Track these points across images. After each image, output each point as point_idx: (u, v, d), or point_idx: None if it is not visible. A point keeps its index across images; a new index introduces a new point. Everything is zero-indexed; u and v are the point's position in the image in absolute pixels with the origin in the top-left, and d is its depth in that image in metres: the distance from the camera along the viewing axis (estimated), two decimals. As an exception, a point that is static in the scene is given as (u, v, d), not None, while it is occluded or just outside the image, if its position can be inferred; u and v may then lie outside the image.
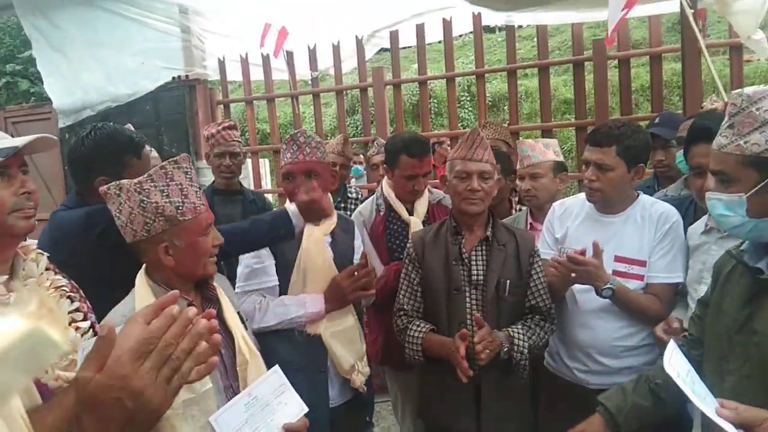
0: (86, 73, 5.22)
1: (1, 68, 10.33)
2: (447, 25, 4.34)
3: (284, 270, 2.15)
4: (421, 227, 2.54)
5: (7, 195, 1.20)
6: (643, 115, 4.36)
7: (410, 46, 4.93)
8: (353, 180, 5.47)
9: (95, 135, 1.93)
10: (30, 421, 0.74)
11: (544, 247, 2.27)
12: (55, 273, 1.28)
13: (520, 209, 2.90)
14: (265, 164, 7.47)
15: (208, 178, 4.23)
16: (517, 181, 2.71)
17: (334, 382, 2.17)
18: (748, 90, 1.25)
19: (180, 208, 1.49)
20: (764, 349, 1.22)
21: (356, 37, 4.72)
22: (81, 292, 1.35)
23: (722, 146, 1.26)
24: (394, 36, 4.54)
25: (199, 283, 1.62)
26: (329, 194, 2.23)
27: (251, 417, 1.44)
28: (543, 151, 2.59)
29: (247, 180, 4.87)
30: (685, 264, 2.04)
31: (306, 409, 1.55)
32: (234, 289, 2.03)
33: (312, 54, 4.86)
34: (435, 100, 11.15)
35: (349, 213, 3.53)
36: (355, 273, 2.11)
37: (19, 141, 1.18)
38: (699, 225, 1.96)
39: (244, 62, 4.95)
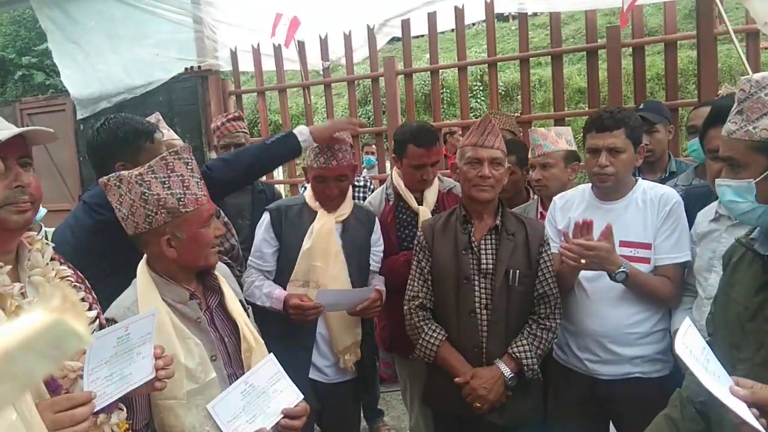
0: (102, 64, 5.28)
1: (16, 61, 10.44)
2: (459, 13, 4.31)
3: (289, 255, 2.30)
4: (429, 216, 2.54)
5: None
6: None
7: (422, 35, 4.90)
8: (365, 170, 5.47)
9: (108, 124, 2.00)
10: None
11: None
12: (61, 263, 1.27)
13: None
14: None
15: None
16: (530, 171, 2.71)
17: (331, 360, 2.33)
18: (757, 76, 1.24)
19: (182, 199, 1.49)
20: None
21: (368, 26, 4.71)
22: (86, 282, 1.36)
23: (731, 132, 1.25)
24: (405, 25, 4.51)
25: (200, 273, 1.63)
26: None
27: (248, 404, 1.45)
28: (555, 140, 2.58)
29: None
30: (690, 243, 2.04)
31: (301, 397, 1.56)
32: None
33: (323, 44, 4.85)
34: (447, 90, 11.09)
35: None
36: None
37: (2, 134, 1.11)
38: (709, 212, 1.94)
39: (256, 53, 4.96)
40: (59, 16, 5.33)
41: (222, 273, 1.70)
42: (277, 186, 4.01)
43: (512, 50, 11.49)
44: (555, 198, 2.36)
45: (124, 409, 1.27)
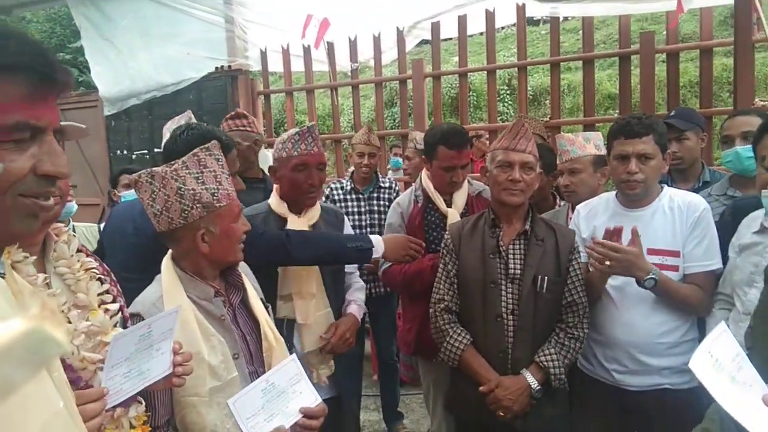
0: (133, 62, 5.37)
1: (52, 57, 10.66)
2: (490, 15, 4.28)
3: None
4: (458, 219, 2.51)
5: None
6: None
7: (451, 38, 4.89)
8: (390, 172, 5.46)
9: (188, 135, 1.95)
10: None
11: None
12: (87, 255, 1.28)
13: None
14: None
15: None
16: (558, 177, 2.67)
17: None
18: None
19: (215, 194, 1.50)
20: None
21: (397, 28, 4.70)
22: (112, 275, 1.37)
23: None
24: (435, 27, 4.50)
25: (224, 271, 1.63)
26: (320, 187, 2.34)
27: (267, 403, 1.44)
28: (582, 145, 2.54)
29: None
30: (719, 251, 2.00)
31: (320, 400, 1.55)
32: None
33: (352, 45, 4.86)
34: (474, 93, 11.01)
35: (381, 202, 3.56)
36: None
37: None
38: (753, 223, 1.88)
39: (286, 53, 4.99)
40: (94, 13, 5.44)
41: (243, 271, 1.71)
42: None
43: (541, 54, 11.39)
44: (579, 206, 2.33)
45: (143, 402, 1.27)
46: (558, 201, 2.93)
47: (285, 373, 1.53)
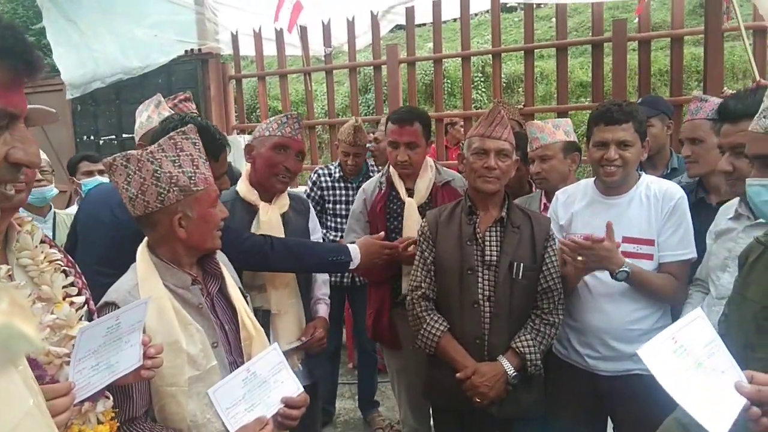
0: (98, 44, 5.19)
1: (13, 39, 10.30)
2: (464, 2, 4.26)
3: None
4: (415, 209, 2.49)
5: None
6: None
7: (425, 24, 4.85)
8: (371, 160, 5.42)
9: (180, 128, 1.87)
10: None
11: None
12: (51, 246, 1.23)
13: None
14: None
15: (230, 154, 4.22)
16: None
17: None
18: None
19: (192, 178, 1.48)
20: None
21: (371, 12, 4.65)
22: (77, 267, 1.32)
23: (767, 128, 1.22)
24: (409, 12, 4.46)
25: (201, 258, 1.60)
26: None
27: (248, 392, 1.43)
28: (552, 131, 2.54)
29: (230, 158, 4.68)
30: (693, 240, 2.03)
31: (302, 389, 1.54)
32: None
33: (326, 29, 4.79)
34: (448, 80, 11.02)
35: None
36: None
37: None
38: (728, 210, 1.91)
39: (258, 37, 4.90)
40: (56, -7, 5.24)
41: (221, 261, 1.67)
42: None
43: (514, 42, 11.43)
44: (557, 193, 2.34)
45: (111, 397, 1.24)
46: (534, 189, 2.94)
47: (267, 363, 1.51)
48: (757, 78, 3.00)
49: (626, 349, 2.03)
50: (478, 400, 1.97)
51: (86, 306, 1.24)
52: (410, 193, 2.56)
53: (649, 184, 2.11)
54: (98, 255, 1.83)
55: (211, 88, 5.01)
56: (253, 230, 2.16)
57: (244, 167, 2.36)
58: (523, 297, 2.05)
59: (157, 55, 5.04)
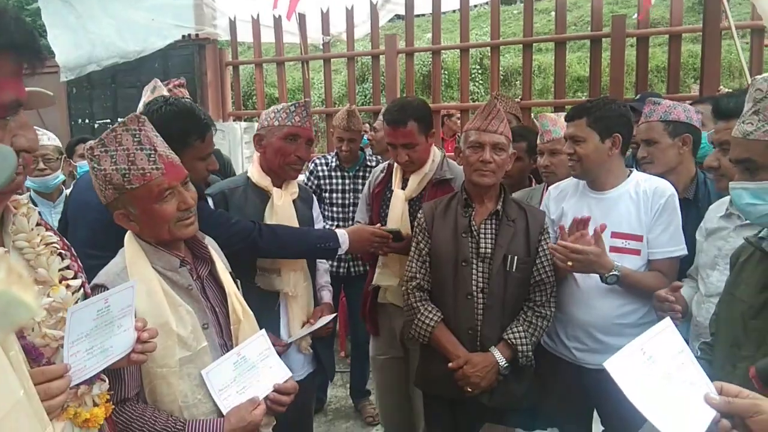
0: (94, 26, 5.14)
1: (8, 19, 10.18)
2: (464, -7, 4.25)
3: None
4: (401, 200, 2.49)
5: None
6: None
7: (424, 14, 4.83)
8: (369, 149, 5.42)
9: (164, 111, 1.86)
10: None
11: None
12: (47, 229, 1.23)
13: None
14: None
15: (226, 140, 4.21)
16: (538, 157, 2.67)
17: (295, 357, 2.23)
18: None
19: (126, 175, 1.41)
20: None
21: (370, 2, 4.63)
22: (72, 250, 1.32)
23: (748, 133, 1.23)
24: (409, 2, 4.45)
25: (188, 244, 1.60)
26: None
27: (239, 376, 1.45)
28: (564, 126, 2.55)
29: (226, 144, 4.68)
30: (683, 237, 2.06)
31: (290, 374, 1.56)
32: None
33: (325, 18, 4.77)
34: (446, 72, 11.00)
35: (366, 181, 3.53)
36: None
37: None
38: (719, 208, 1.92)
39: (256, 23, 4.86)
40: (52, -27, 5.18)
41: (212, 246, 1.67)
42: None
43: (513, 35, 11.40)
44: (551, 188, 2.37)
45: (106, 380, 1.24)
46: (533, 184, 2.94)
47: (255, 348, 1.54)
48: (750, 78, 3.01)
49: (612, 342, 2.04)
50: (470, 390, 1.99)
51: (82, 289, 1.24)
52: (407, 183, 2.56)
53: (639, 181, 2.12)
54: (86, 237, 1.83)
55: (208, 74, 4.98)
56: (266, 215, 2.18)
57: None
58: (516, 289, 2.06)
59: (154, 39, 5.00)
